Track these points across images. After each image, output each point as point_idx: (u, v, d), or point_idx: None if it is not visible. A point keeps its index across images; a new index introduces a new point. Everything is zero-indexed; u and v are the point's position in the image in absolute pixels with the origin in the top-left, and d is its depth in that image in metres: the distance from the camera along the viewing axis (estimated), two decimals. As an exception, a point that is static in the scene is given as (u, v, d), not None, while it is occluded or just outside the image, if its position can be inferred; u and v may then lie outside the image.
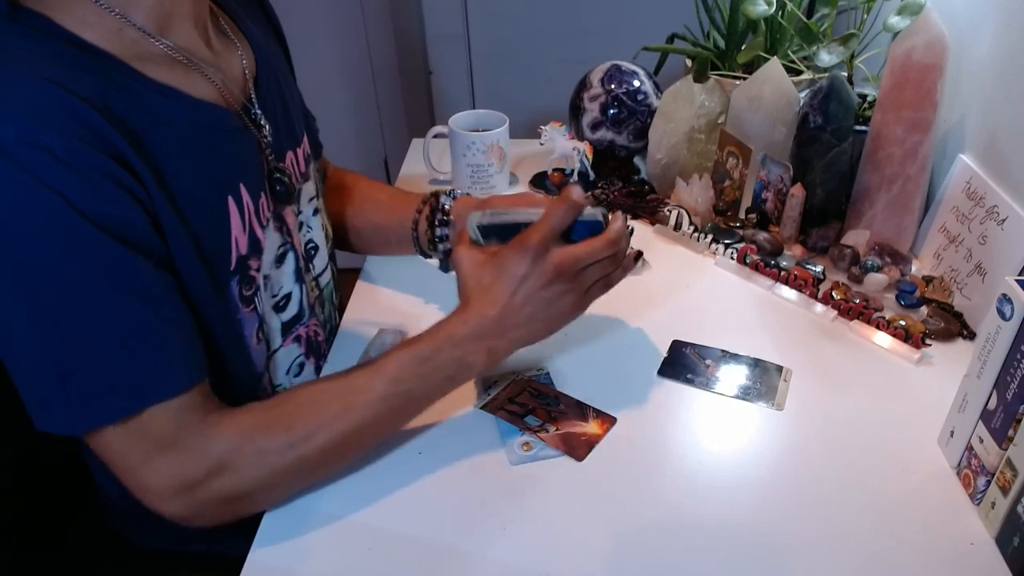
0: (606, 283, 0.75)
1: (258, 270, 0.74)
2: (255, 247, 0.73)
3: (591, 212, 0.72)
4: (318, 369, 0.87)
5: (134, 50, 0.64)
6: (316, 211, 0.87)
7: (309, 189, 0.85)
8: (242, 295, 0.72)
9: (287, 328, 0.81)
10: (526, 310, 0.70)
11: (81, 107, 0.56)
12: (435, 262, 0.90)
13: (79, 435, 0.62)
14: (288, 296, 0.80)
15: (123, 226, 0.59)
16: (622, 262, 0.76)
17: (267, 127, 0.76)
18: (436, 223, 0.88)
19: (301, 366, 0.84)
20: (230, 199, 0.69)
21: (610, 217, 0.74)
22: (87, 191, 0.56)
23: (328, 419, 0.66)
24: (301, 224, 0.84)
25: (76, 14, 0.61)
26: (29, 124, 0.54)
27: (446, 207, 0.88)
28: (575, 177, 1.18)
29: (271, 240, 0.76)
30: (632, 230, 0.79)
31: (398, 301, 0.96)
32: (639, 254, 0.80)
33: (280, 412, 0.67)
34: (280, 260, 0.78)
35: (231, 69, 0.75)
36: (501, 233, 0.74)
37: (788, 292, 0.95)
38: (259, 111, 0.76)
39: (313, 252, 0.87)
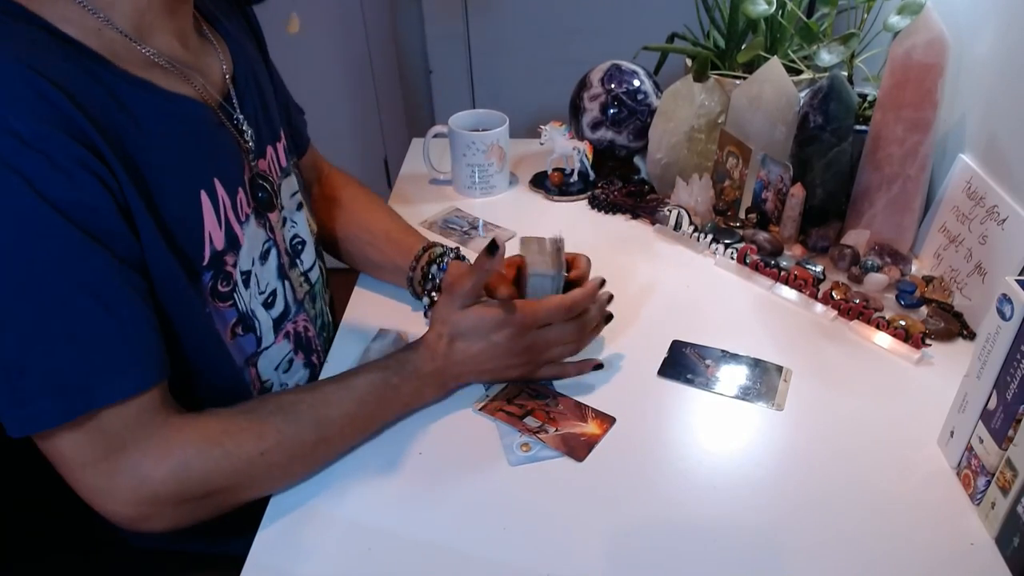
0: (565, 352, 0.81)
1: (234, 265, 0.73)
2: (233, 243, 0.72)
3: (542, 270, 0.78)
4: (308, 365, 0.87)
5: (112, 50, 0.63)
6: (300, 205, 0.87)
7: (291, 184, 0.85)
8: (217, 290, 0.71)
9: (277, 324, 0.81)
10: (486, 366, 0.78)
11: (52, 90, 0.55)
12: (427, 300, 0.90)
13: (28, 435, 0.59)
14: (274, 292, 0.81)
15: (88, 213, 0.57)
16: (588, 326, 0.81)
17: (248, 129, 0.77)
18: (431, 275, 0.90)
19: (291, 362, 0.84)
20: (203, 193, 0.69)
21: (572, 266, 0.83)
22: (53, 176, 0.55)
23: (299, 430, 0.68)
24: (284, 220, 0.84)
25: (57, 10, 0.61)
26: None
27: (438, 280, 0.89)
28: (575, 177, 1.18)
29: (253, 236, 0.76)
30: (611, 298, 0.84)
31: (397, 301, 0.96)
32: (608, 317, 0.85)
33: (251, 419, 0.67)
34: (264, 257, 0.78)
35: (210, 71, 0.75)
36: None
37: (788, 292, 0.95)
38: (239, 110, 0.76)
39: (300, 247, 0.87)
